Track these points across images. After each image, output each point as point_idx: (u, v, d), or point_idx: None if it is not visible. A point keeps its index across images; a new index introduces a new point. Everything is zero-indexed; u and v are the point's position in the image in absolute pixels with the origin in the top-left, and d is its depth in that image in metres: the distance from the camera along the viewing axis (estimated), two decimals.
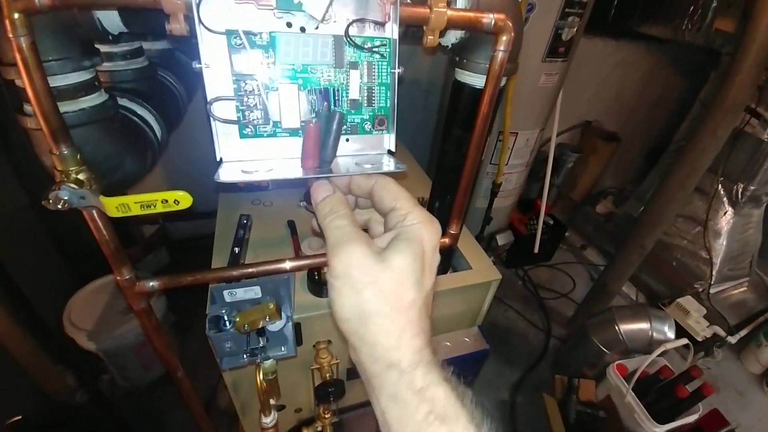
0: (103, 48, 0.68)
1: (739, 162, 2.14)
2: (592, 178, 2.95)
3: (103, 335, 1.61)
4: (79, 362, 1.49)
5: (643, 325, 1.65)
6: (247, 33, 0.32)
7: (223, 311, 0.51)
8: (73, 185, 0.40)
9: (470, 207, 2.06)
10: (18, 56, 0.37)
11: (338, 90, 0.36)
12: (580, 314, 2.12)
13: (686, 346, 1.61)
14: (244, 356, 0.56)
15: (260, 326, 0.55)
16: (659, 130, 3.08)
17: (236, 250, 0.83)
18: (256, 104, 0.33)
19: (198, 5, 0.30)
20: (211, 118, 0.34)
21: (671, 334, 1.61)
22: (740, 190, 2.19)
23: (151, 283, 0.56)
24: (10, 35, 0.36)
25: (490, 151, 1.90)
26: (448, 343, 0.94)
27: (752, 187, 2.16)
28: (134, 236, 2.19)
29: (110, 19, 0.54)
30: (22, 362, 1.18)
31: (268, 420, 0.76)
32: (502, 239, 2.20)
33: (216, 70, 0.33)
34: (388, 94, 0.38)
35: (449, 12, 0.42)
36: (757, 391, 2.11)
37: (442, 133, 0.75)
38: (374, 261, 0.29)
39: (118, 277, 0.53)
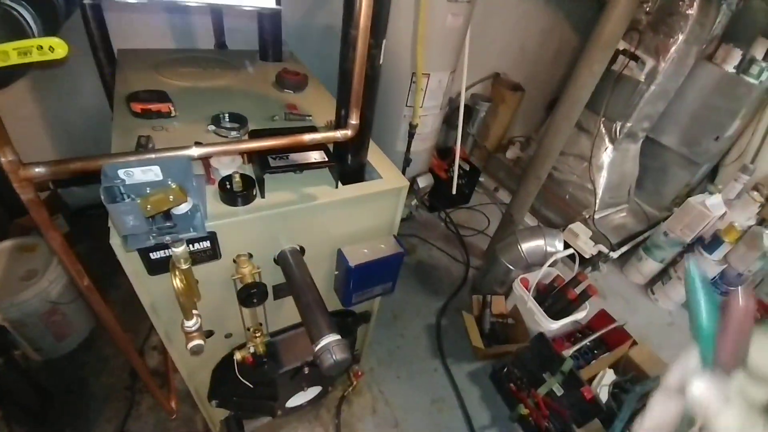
0: None
1: (618, 103, 2.49)
2: (502, 127, 3.22)
3: (5, 303, 1.46)
4: None
5: (539, 242, 1.92)
6: None
7: (117, 182, 0.50)
8: None
9: (390, 150, 2.15)
10: None
11: None
12: (492, 244, 2.38)
13: (571, 257, 1.92)
14: (151, 237, 0.56)
15: (164, 208, 0.56)
16: (558, 81, 3.43)
17: None
18: None
19: None
20: None
21: (560, 246, 1.90)
22: (618, 127, 2.56)
23: (37, 169, 0.54)
24: None
25: (405, 93, 1.98)
26: (365, 250, 1.02)
27: (629, 125, 2.53)
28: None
29: None
30: None
31: (191, 323, 0.78)
32: (422, 181, 2.34)
33: None
34: None
35: None
36: (641, 298, 2.59)
37: (341, 40, 0.78)
38: None
39: (2, 159, 0.50)
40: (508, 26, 2.92)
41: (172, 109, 1.03)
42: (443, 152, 2.84)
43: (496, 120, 3.13)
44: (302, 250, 0.99)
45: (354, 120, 0.68)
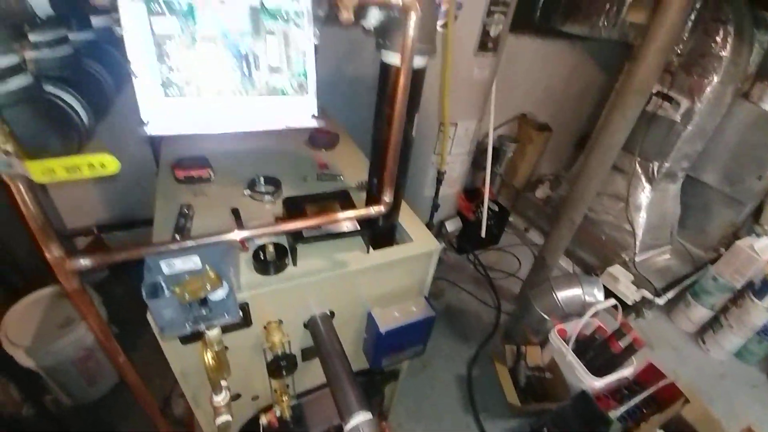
0: (31, 37, 0.66)
1: (654, 143, 2.42)
2: (530, 165, 3.18)
3: (41, 351, 1.52)
4: (21, 377, 1.41)
5: (576, 291, 1.82)
6: (166, 1, 0.35)
7: (160, 278, 0.51)
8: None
9: (418, 196, 2.15)
10: None
11: (257, 56, 0.40)
12: (524, 289, 2.28)
13: (615, 306, 1.80)
14: (187, 324, 0.57)
15: (202, 295, 0.56)
16: (585, 119, 3.39)
17: (177, 237, 0.83)
18: (178, 66, 0.36)
19: None
20: (133, 78, 0.36)
21: (600, 296, 1.79)
22: (656, 168, 2.47)
23: (82, 261, 0.56)
24: None
25: (433, 141, 2.00)
26: (396, 313, 1.00)
27: (667, 165, 2.44)
28: (66, 250, 2.06)
29: (39, 2, 0.54)
30: None
31: (220, 398, 0.77)
32: (450, 225, 2.31)
33: (136, 35, 0.35)
34: (305, 60, 0.43)
35: None
36: (691, 347, 2.39)
37: (375, 112, 0.81)
38: None
39: (48, 255, 0.52)
40: (531, 69, 2.95)
41: (211, 173, 1.08)
42: (470, 193, 2.82)
43: (524, 159, 3.10)
44: (332, 314, 0.98)
45: (388, 198, 0.67)
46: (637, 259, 2.57)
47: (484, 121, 2.14)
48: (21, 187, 0.45)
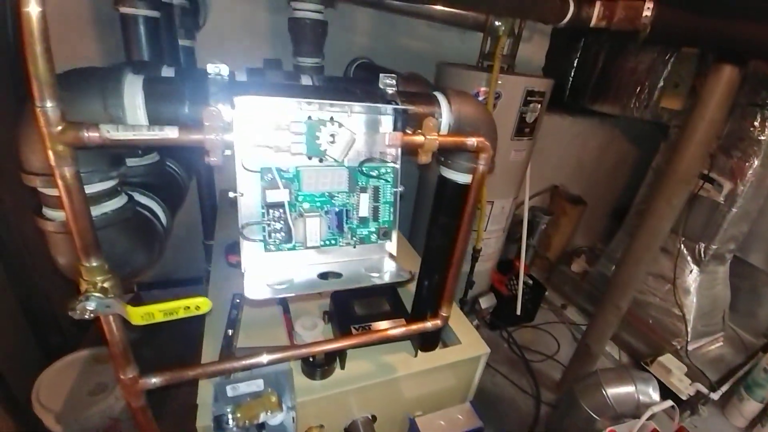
0: (129, 162, 0.73)
1: (698, 223, 2.33)
2: (564, 238, 3.11)
3: (70, 419, 1.49)
4: None
5: (629, 389, 1.66)
6: (279, 170, 0.38)
7: (228, 409, 0.51)
8: (99, 294, 0.43)
9: None
10: (60, 184, 0.40)
11: (350, 210, 0.43)
12: (567, 377, 2.11)
13: (672, 406, 1.62)
14: None
15: (261, 420, 0.55)
16: (619, 191, 3.35)
17: (229, 332, 0.84)
18: (282, 228, 0.39)
19: (243, 162, 0.36)
20: (241, 239, 0.39)
21: (656, 396, 1.63)
22: (702, 249, 2.35)
23: (153, 380, 0.56)
24: (53, 164, 0.39)
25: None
26: (441, 422, 0.93)
27: (714, 246, 2.33)
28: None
29: None
30: None
31: None
32: (485, 302, 2.24)
33: (248, 199, 0.38)
34: (391, 210, 0.45)
35: (440, 138, 0.51)
36: None
37: (429, 219, 0.82)
38: None
39: (122, 376, 0.53)
40: (563, 144, 3.01)
41: None
42: (503, 265, 2.75)
43: (558, 232, 3.04)
44: (374, 419, 0.93)
45: (446, 312, 0.66)
46: (690, 347, 2.37)
47: (519, 196, 2.15)
48: (111, 320, 0.47)
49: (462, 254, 0.66)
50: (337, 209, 0.42)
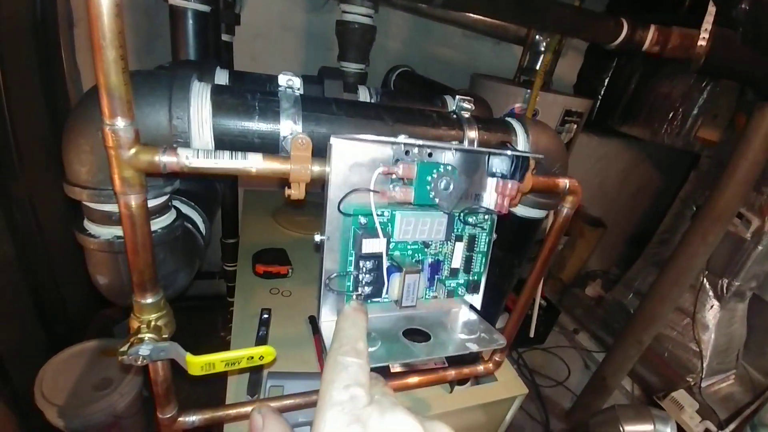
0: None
1: (722, 258, 2.26)
2: (580, 260, 3.05)
3: (72, 414, 1.45)
4: None
5: (647, 427, 1.60)
6: (374, 226, 0.33)
7: None
8: (153, 335, 0.38)
9: None
10: (124, 213, 0.34)
11: (443, 260, 0.38)
12: (578, 409, 2.06)
13: None
14: None
15: None
16: (640, 217, 3.28)
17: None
18: (372, 281, 0.34)
19: (340, 201, 0.31)
20: (323, 287, 0.34)
21: None
22: (725, 285, 2.29)
23: (191, 419, 0.51)
24: (118, 191, 0.33)
25: None
26: None
27: (737, 283, 2.26)
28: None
29: None
30: None
31: None
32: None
33: (334, 243, 0.33)
34: (484, 261, 0.40)
35: (533, 179, 0.46)
36: None
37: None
38: None
39: (160, 415, 0.48)
40: (588, 164, 2.95)
41: (289, 270, 1.06)
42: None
43: (574, 253, 2.98)
44: None
45: (499, 357, 0.61)
46: (703, 384, 2.31)
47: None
48: (160, 364, 0.42)
49: (530, 297, 0.61)
50: (430, 260, 0.36)
